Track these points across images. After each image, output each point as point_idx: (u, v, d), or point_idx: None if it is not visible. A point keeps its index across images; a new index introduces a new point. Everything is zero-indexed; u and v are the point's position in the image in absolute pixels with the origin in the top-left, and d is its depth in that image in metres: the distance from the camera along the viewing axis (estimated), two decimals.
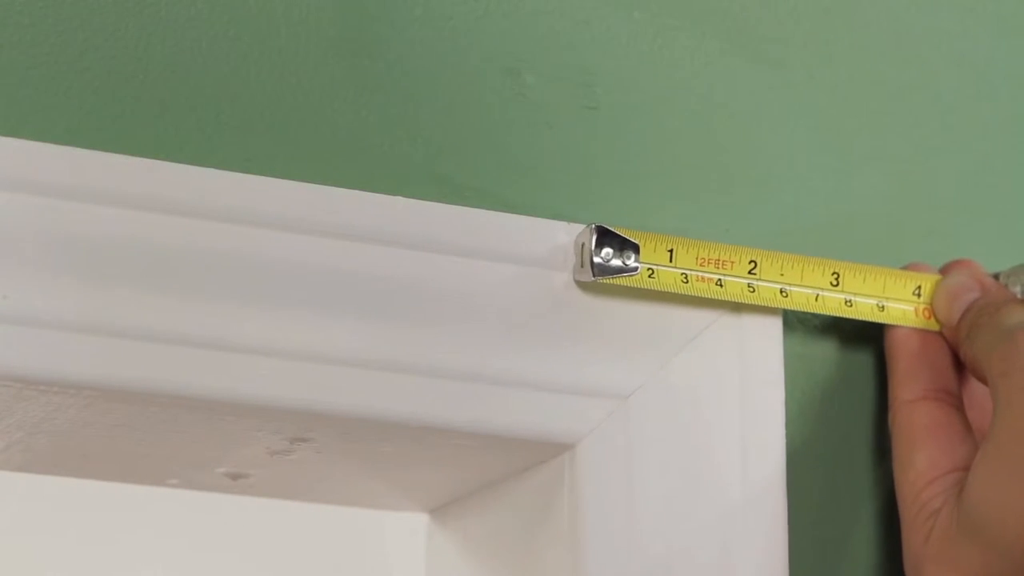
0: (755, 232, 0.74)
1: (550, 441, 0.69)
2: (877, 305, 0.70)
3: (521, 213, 0.69)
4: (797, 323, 0.74)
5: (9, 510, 0.79)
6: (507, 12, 0.72)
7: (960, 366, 0.71)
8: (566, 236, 0.69)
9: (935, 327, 0.71)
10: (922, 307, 0.71)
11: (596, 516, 0.69)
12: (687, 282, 0.68)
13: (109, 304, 0.63)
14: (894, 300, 0.71)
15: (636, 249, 0.67)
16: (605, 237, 0.67)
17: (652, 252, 0.68)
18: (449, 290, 0.67)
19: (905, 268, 0.72)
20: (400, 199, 0.68)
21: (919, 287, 0.71)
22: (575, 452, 0.69)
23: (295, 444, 0.70)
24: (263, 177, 0.66)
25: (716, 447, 0.70)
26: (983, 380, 0.68)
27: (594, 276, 0.67)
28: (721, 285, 0.69)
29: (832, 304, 0.70)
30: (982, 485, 0.64)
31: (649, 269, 0.68)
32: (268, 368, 0.64)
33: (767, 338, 0.72)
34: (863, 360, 0.75)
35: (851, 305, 0.70)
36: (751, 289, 0.69)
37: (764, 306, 0.71)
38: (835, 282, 0.70)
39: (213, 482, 0.77)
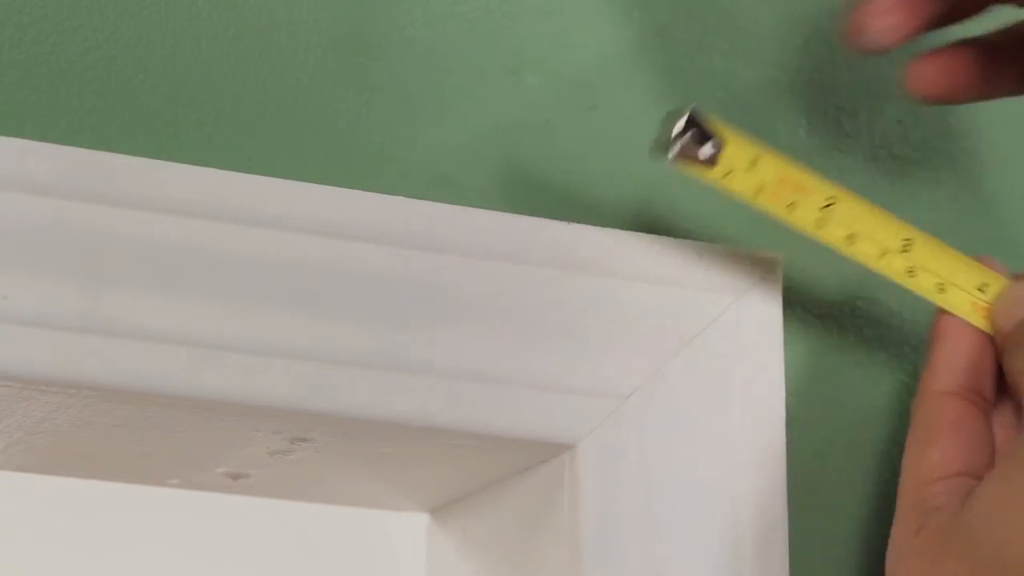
0: (755, 232, 0.74)
1: (550, 441, 0.69)
2: (938, 285, 0.68)
3: (521, 213, 0.69)
4: (798, 323, 0.74)
5: (9, 510, 0.79)
6: (507, 12, 0.72)
7: (1000, 375, 0.69)
8: (567, 236, 0.69)
9: (987, 329, 0.69)
10: (982, 304, 0.68)
11: (596, 516, 0.69)
12: (760, 194, 0.65)
13: (109, 304, 0.63)
14: (957, 287, 0.68)
15: (720, 146, 0.64)
16: (694, 124, 0.64)
17: (736, 153, 0.65)
18: (449, 290, 0.67)
19: (977, 258, 0.70)
20: (400, 199, 0.68)
21: (986, 283, 0.68)
22: (575, 452, 0.69)
23: (295, 444, 0.70)
24: (263, 177, 0.66)
25: (716, 447, 0.70)
26: (1017, 396, 0.67)
27: (672, 159, 0.64)
28: (792, 209, 0.66)
29: (895, 267, 0.67)
30: (992, 501, 0.63)
31: (728, 169, 0.65)
32: (268, 368, 0.64)
33: (767, 338, 0.72)
34: (864, 360, 0.76)
35: (913, 275, 0.67)
36: (819, 224, 0.66)
37: (764, 305, 0.70)
38: (906, 247, 0.67)
39: (213, 482, 0.77)
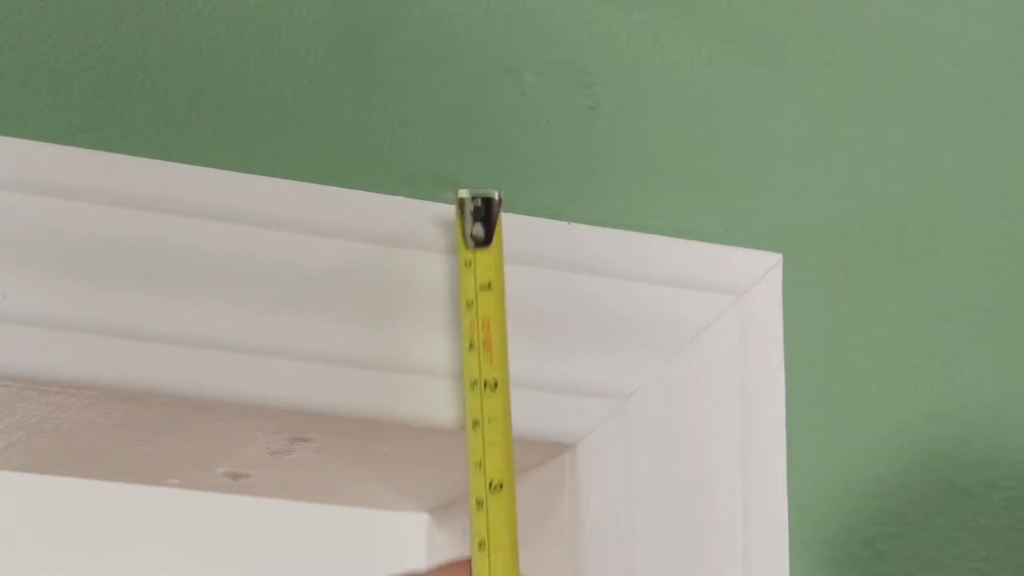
0: (755, 232, 0.74)
1: (550, 441, 0.69)
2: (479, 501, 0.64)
3: (521, 213, 0.69)
4: (798, 323, 0.74)
5: (9, 510, 0.79)
6: (507, 12, 0.72)
7: None
8: (566, 236, 0.69)
9: None
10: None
11: (596, 516, 0.69)
12: (469, 306, 0.65)
13: (109, 304, 0.63)
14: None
15: (484, 243, 0.65)
16: (492, 209, 0.66)
17: (487, 262, 0.65)
18: (451, 291, 0.67)
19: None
20: (400, 199, 0.68)
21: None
22: (575, 452, 0.69)
23: (295, 444, 0.70)
24: (263, 177, 0.66)
25: (716, 446, 0.70)
26: None
27: (459, 209, 0.66)
28: (471, 348, 0.65)
29: (477, 479, 0.64)
30: None
31: (468, 261, 0.65)
32: (268, 368, 0.64)
33: (767, 338, 0.72)
34: (865, 361, 0.76)
35: (478, 470, 0.64)
36: (471, 386, 0.65)
37: (764, 305, 0.71)
38: (492, 490, 0.65)
39: (213, 482, 0.77)
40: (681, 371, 0.71)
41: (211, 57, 0.67)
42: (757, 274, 0.72)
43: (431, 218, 0.68)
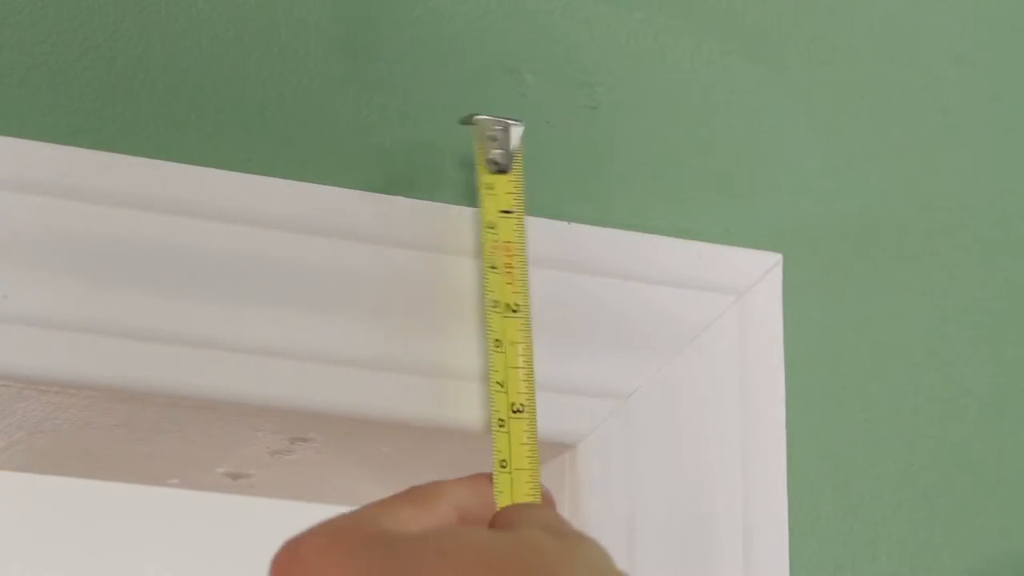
0: (755, 232, 0.74)
1: (550, 441, 0.69)
2: (499, 421, 0.65)
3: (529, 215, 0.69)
4: (798, 323, 0.74)
5: (9, 510, 0.79)
6: (507, 12, 0.72)
7: None
8: (566, 236, 0.69)
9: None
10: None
11: (596, 516, 0.69)
12: (490, 229, 0.66)
13: (109, 304, 0.63)
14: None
15: (507, 168, 0.66)
16: (512, 137, 0.67)
17: (506, 185, 0.66)
18: (450, 290, 0.67)
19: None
20: (400, 199, 0.68)
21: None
22: (575, 452, 0.69)
23: (295, 444, 0.70)
24: (263, 177, 0.66)
25: (716, 447, 0.70)
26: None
27: (477, 128, 0.66)
28: (492, 269, 0.65)
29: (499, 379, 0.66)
30: None
31: (490, 185, 0.66)
32: (268, 368, 0.64)
33: (767, 338, 0.72)
34: (865, 361, 0.76)
35: (500, 391, 0.65)
36: (492, 304, 0.65)
37: (764, 305, 0.70)
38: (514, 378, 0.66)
39: (213, 482, 0.77)
40: (681, 371, 0.70)
41: (211, 57, 0.67)
42: (757, 274, 0.72)
43: (431, 218, 0.68)
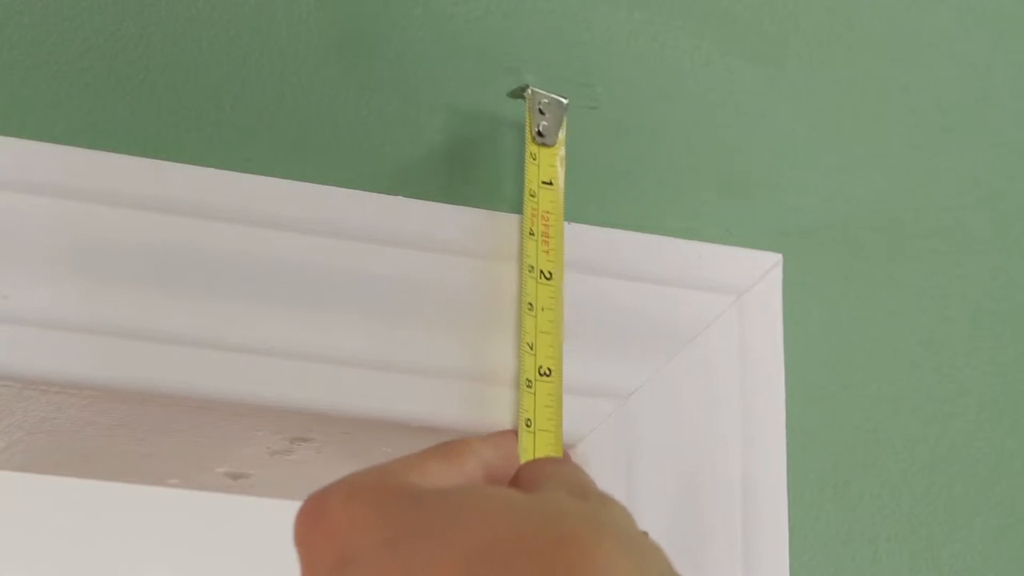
0: (755, 232, 0.74)
1: None
2: (527, 381, 0.66)
3: (519, 213, 0.69)
4: (798, 323, 0.74)
5: (9, 510, 0.79)
6: (507, 12, 0.72)
7: None
8: (567, 237, 0.69)
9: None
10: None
11: None
12: (532, 197, 0.68)
13: (109, 304, 0.63)
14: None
15: (553, 141, 0.69)
16: (560, 110, 0.70)
17: (549, 158, 0.69)
18: (450, 290, 0.67)
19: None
20: (400, 199, 0.68)
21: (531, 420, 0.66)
22: (576, 452, 0.69)
23: (295, 444, 0.70)
24: (263, 177, 0.66)
25: (716, 447, 0.70)
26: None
27: (530, 101, 0.70)
28: (531, 236, 0.68)
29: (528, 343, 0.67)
30: None
31: (535, 156, 0.69)
32: (268, 368, 0.64)
33: (767, 338, 0.72)
34: (865, 361, 0.76)
35: (528, 353, 0.67)
36: (529, 270, 0.67)
37: (764, 305, 0.70)
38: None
39: (213, 482, 0.77)
40: (681, 371, 0.70)
41: (211, 57, 0.67)
42: (757, 274, 0.72)
43: (430, 218, 0.68)
